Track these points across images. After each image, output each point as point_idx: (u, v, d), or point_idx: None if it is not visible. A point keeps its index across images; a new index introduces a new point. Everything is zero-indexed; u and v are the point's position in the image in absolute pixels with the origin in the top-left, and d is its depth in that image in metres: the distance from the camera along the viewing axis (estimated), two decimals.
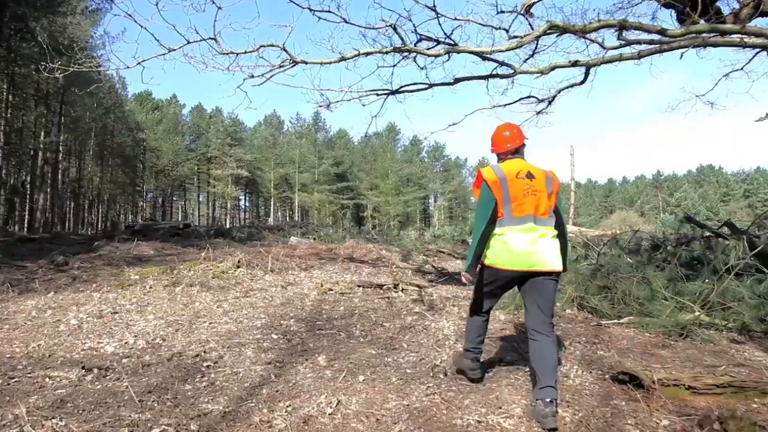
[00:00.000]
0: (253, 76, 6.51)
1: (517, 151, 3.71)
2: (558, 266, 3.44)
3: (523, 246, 3.38)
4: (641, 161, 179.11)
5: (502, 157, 3.72)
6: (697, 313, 5.78)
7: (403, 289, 6.84)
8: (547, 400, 3.13)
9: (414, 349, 4.56)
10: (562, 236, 3.59)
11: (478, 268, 3.63)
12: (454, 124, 7.90)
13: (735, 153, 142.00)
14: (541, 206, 3.47)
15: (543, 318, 3.43)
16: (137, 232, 17.32)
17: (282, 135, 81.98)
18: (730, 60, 10.47)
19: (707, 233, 9.34)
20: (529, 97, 7.88)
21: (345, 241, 12.34)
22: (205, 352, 4.30)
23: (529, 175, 3.52)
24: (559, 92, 7.70)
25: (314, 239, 15.17)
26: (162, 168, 64.32)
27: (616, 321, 5.67)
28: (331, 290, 6.67)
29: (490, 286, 3.62)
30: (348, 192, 79.96)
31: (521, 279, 3.48)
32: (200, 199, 78.50)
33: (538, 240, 3.42)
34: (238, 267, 7.60)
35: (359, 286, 6.98)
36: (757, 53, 7.71)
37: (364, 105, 7.11)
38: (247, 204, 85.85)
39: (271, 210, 78.20)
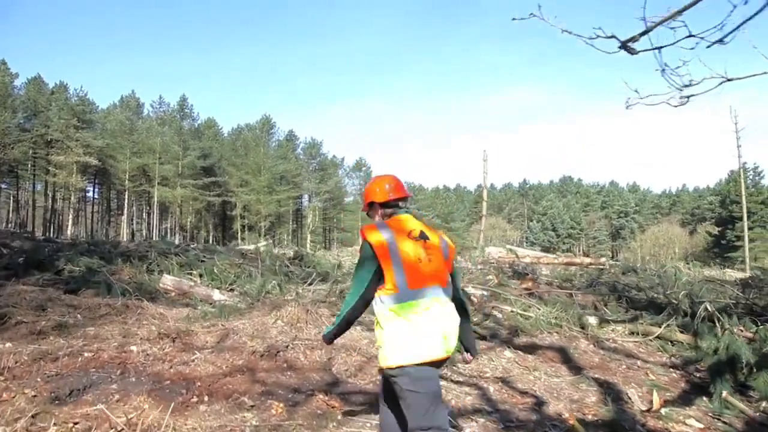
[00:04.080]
0: None
1: (402, 205, 3.04)
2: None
3: (433, 328, 2.68)
4: (509, 169, 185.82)
5: (384, 211, 3.01)
6: None
7: None
8: None
9: None
10: (465, 312, 2.98)
11: (380, 378, 2.94)
12: None
13: (591, 166, 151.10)
14: (441, 274, 2.85)
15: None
16: None
17: (141, 120, 71.92)
18: None
19: None
20: None
21: (275, 296, 6.88)
22: None
23: (423, 236, 2.87)
24: None
25: (201, 276, 9.51)
26: None
27: None
28: None
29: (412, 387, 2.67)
30: (215, 188, 72.58)
31: None
32: (37, 188, 66.40)
33: (445, 318, 2.76)
34: None
35: None
36: None
37: None
38: (96, 197, 74.53)
39: (125, 205, 68.27)
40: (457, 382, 4.82)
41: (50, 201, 64.83)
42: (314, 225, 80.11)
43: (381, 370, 2.80)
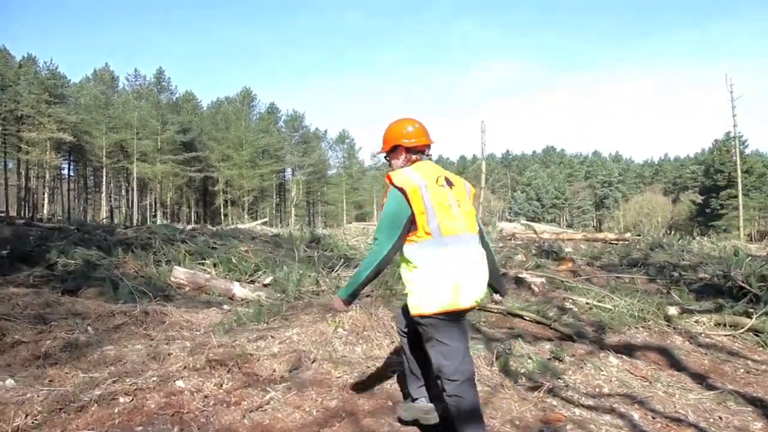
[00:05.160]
0: None
1: (425, 152, 2.91)
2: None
3: (467, 275, 2.61)
4: (491, 140, 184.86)
5: (409, 156, 2.87)
6: None
7: None
8: None
9: None
10: (490, 255, 2.87)
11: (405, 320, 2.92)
12: None
13: (574, 137, 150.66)
14: (470, 220, 2.75)
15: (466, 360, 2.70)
16: None
17: (116, 94, 69.26)
18: None
19: None
20: None
21: (305, 289, 5.81)
22: None
23: (449, 182, 2.78)
24: None
25: (216, 266, 8.39)
26: None
27: None
28: None
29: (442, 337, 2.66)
30: (196, 163, 70.63)
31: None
32: (8, 166, 63.81)
33: (477, 265, 2.69)
34: None
35: None
36: None
37: None
38: (71, 174, 71.93)
39: (103, 182, 66.07)
40: (588, 407, 3.80)
41: (24, 179, 62.36)
42: (298, 199, 78.67)
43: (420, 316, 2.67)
